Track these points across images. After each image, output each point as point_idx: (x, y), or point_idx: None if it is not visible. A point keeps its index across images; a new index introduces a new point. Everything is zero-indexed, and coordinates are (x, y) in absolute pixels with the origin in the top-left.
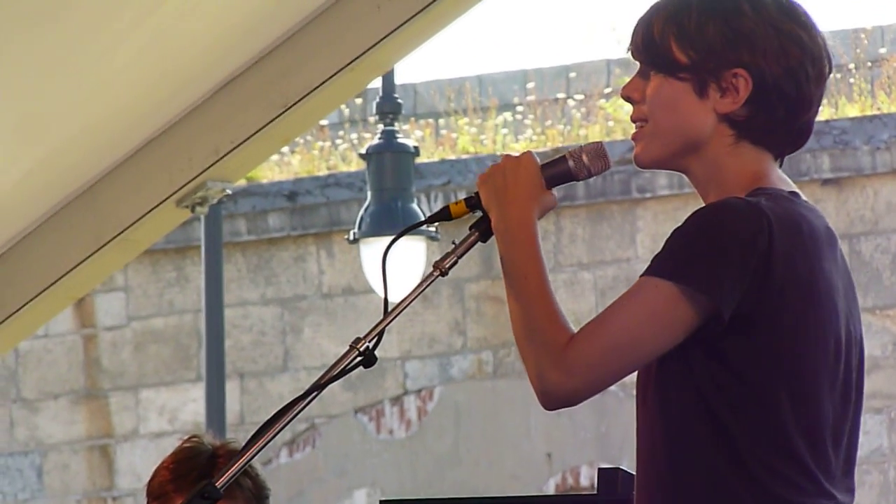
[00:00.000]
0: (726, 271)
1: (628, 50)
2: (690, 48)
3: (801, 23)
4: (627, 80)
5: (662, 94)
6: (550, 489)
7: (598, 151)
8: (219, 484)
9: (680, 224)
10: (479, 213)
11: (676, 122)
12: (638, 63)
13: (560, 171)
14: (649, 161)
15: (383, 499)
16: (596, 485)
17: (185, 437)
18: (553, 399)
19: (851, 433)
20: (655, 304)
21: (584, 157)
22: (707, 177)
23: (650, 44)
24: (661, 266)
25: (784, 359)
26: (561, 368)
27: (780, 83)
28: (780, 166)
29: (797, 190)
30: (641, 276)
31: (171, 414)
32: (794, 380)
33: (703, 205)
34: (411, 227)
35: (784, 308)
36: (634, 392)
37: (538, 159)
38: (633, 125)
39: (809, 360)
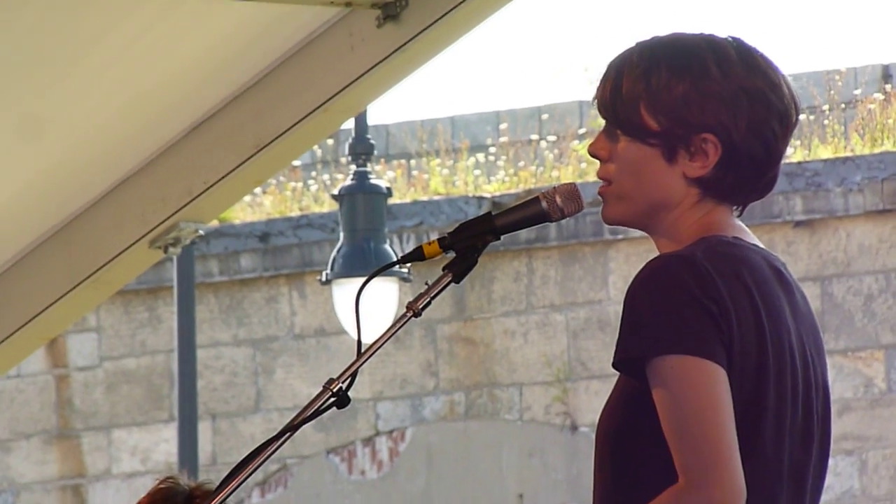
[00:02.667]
0: (702, 327)
1: (593, 101)
2: (660, 113)
3: (768, 79)
4: (601, 121)
5: (630, 158)
6: None
7: (571, 193)
8: None
9: (627, 297)
10: (451, 254)
11: (644, 187)
12: (604, 119)
13: (533, 212)
14: (616, 220)
15: None
16: None
17: (161, 478)
18: None
19: (816, 478)
20: (690, 381)
21: (558, 199)
22: (664, 231)
23: (618, 104)
24: (657, 343)
25: (737, 404)
26: (704, 503)
27: (749, 144)
28: (742, 213)
29: (743, 234)
30: (619, 365)
31: (143, 454)
32: (744, 422)
33: (653, 257)
34: (384, 268)
35: (739, 352)
36: None
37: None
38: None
39: (759, 405)
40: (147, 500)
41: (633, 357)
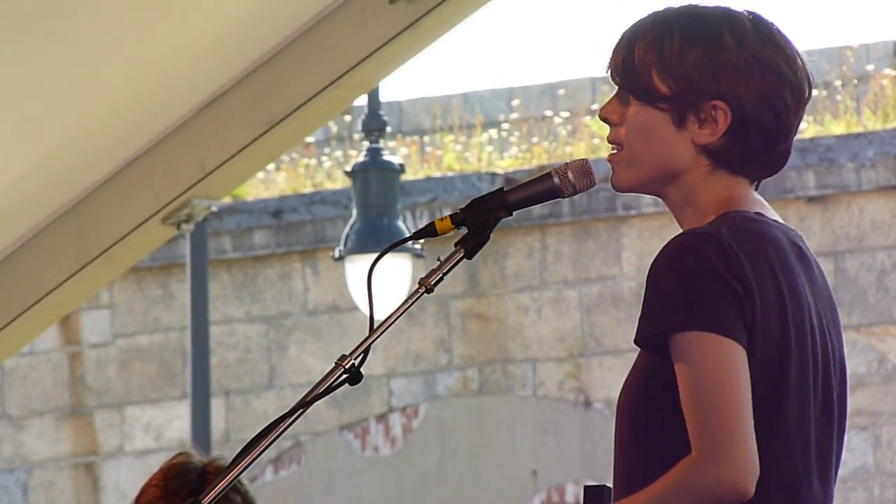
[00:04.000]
0: (725, 305)
1: (607, 69)
2: (671, 78)
3: (782, 52)
4: None
5: (640, 122)
6: None
7: (583, 168)
8: (205, 501)
9: (650, 273)
10: (464, 230)
11: (653, 152)
12: (616, 85)
13: (545, 188)
14: (625, 187)
15: None
16: (581, 502)
17: (174, 454)
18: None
19: (837, 453)
20: (708, 357)
21: (570, 174)
22: (682, 202)
23: (630, 69)
24: (679, 319)
25: (759, 384)
26: (713, 476)
27: (759, 114)
28: (757, 188)
29: (763, 209)
30: (641, 342)
31: (156, 431)
32: (767, 403)
33: (678, 233)
34: (397, 244)
35: (762, 333)
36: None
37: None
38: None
39: (782, 385)
40: (159, 477)
41: (655, 333)
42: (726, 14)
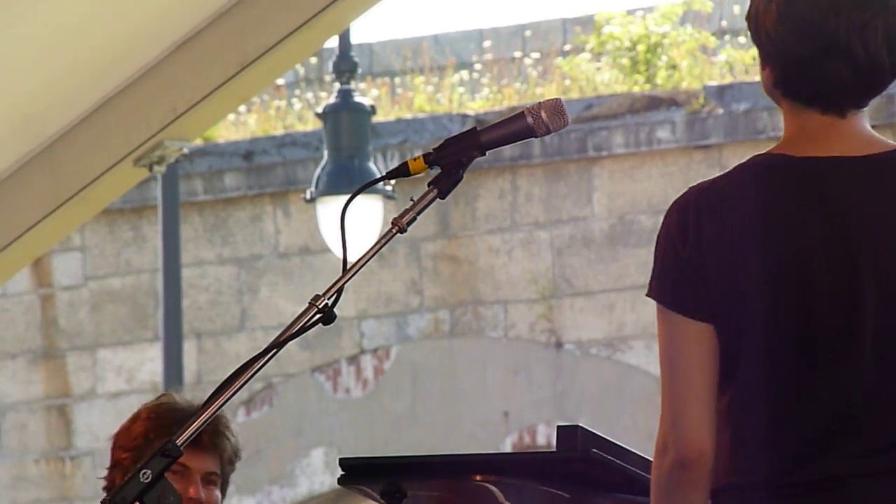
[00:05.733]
0: (667, 275)
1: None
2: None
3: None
4: (584, 38)
5: None
6: (507, 448)
7: (556, 108)
8: (179, 441)
9: None
10: (436, 170)
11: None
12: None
13: (519, 127)
14: None
15: (342, 457)
16: (554, 442)
17: (159, 395)
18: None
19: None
20: (663, 335)
21: (543, 114)
22: None
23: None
24: (649, 288)
25: (726, 342)
26: (660, 455)
27: (780, 35)
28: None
29: (829, 145)
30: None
31: (128, 374)
32: (734, 358)
33: None
34: (370, 183)
35: (722, 296)
36: (591, 350)
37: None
38: (590, 84)
39: (751, 338)
40: (149, 412)
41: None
42: None
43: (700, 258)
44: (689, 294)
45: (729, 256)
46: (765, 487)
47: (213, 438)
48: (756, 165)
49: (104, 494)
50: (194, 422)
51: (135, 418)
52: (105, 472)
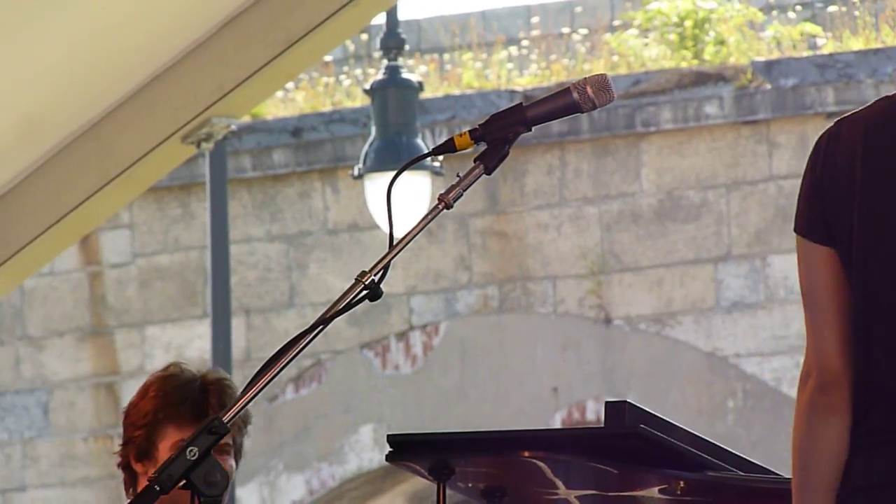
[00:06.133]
0: (810, 204)
1: None
2: None
3: None
4: (632, 14)
5: None
6: (556, 423)
7: (602, 83)
8: (226, 418)
9: None
10: (483, 146)
11: None
12: None
13: (564, 103)
14: None
15: (390, 433)
16: (603, 418)
17: (166, 366)
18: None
19: None
20: (801, 262)
21: (589, 89)
22: None
23: None
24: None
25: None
26: (803, 381)
27: None
28: None
29: None
30: None
31: (177, 351)
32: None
33: None
34: (416, 160)
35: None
36: (640, 326)
37: None
38: (638, 59)
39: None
40: (156, 388)
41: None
42: None
43: (826, 183)
44: (813, 219)
45: (856, 185)
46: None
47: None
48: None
49: (119, 472)
50: (241, 398)
51: (143, 393)
52: (118, 448)
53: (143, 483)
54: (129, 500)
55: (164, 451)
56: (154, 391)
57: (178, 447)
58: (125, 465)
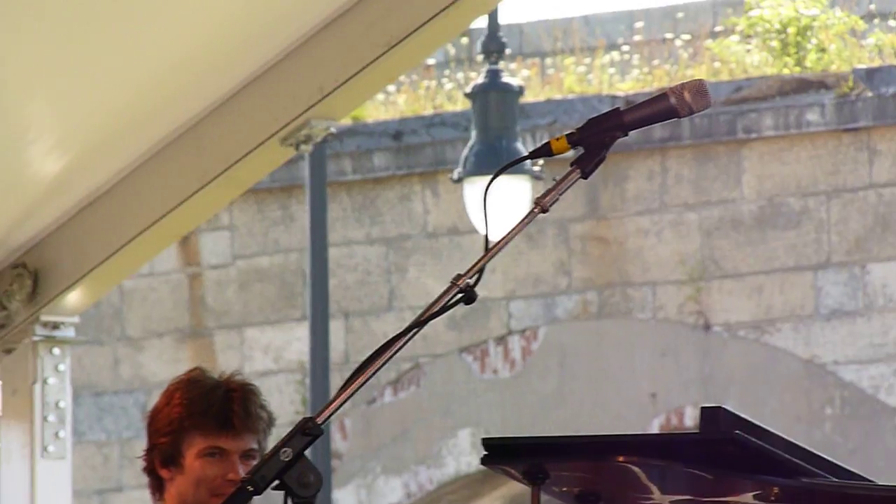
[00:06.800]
0: None
1: None
2: None
3: None
4: (735, 20)
5: None
6: (654, 429)
7: (699, 88)
8: (319, 420)
9: None
10: (580, 150)
11: None
12: None
13: (661, 107)
14: None
15: (485, 437)
16: (698, 423)
17: (188, 370)
18: None
19: None
20: None
21: (686, 94)
22: None
23: None
24: None
25: None
26: None
27: None
28: None
29: None
30: None
31: (275, 353)
32: None
33: None
34: (512, 163)
35: None
36: (739, 333)
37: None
38: (739, 66)
39: None
40: (181, 396)
41: None
42: None
43: None
44: None
45: None
46: None
47: (245, 420)
48: None
49: (144, 476)
50: (333, 401)
51: (168, 399)
52: (143, 454)
53: (169, 489)
54: None
55: (190, 457)
56: (179, 398)
57: (204, 454)
58: (150, 470)
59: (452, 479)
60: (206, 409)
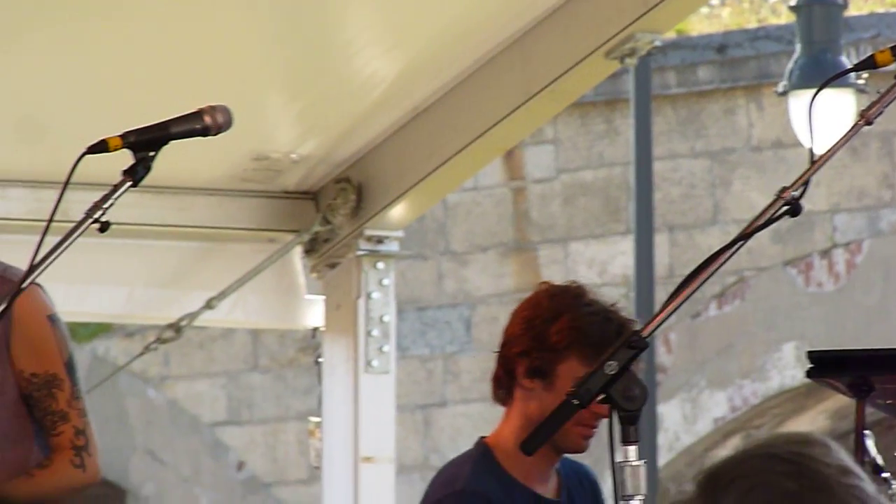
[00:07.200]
0: None
1: None
2: None
3: None
4: None
5: None
6: None
7: None
8: (644, 333)
9: None
10: None
11: None
12: None
13: None
14: None
15: (809, 350)
16: None
17: (576, 290)
18: None
19: None
20: None
21: None
22: None
23: None
24: None
25: None
26: None
27: None
28: None
29: None
30: None
31: (600, 267)
32: None
33: None
34: (835, 77)
35: None
36: None
37: None
38: None
39: None
40: (574, 316)
41: None
42: None
43: None
44: None
45: None
46: None
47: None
48: None
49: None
50: (658, 314)
51: (555, 314)
52: (504, 348)
53: (526, 397)
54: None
55: (564, 379)
56: (569, 321)
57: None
58: (509, 370)
59: (777, 392)
60: (596, 343)
